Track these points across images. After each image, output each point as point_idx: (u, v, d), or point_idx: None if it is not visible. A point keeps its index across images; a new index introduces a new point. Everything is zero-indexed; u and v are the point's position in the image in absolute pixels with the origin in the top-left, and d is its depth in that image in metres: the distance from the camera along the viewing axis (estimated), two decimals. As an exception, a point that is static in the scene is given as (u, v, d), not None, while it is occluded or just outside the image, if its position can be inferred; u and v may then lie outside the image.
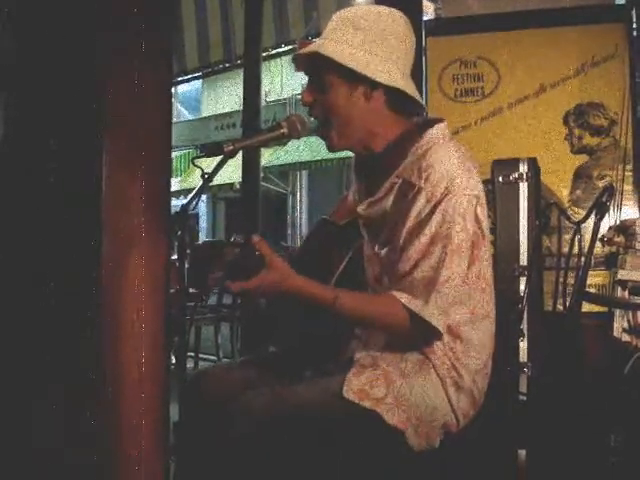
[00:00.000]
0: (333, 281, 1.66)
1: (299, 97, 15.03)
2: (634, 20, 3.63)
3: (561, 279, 2.55)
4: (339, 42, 1.61)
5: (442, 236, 1.54)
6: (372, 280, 1.73)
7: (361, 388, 1.57)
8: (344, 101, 1.63)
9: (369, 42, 1.61)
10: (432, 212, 1.54)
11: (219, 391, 1.68)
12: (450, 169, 1.56)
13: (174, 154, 15.98)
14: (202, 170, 1.56)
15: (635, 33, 3.63)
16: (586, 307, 2.80)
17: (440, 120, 1.68)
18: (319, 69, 1.63)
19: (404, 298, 1.54)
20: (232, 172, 11.89)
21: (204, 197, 16.77)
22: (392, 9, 1.67)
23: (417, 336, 1.59)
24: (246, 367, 1.80)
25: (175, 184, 15.41)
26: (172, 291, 1.68)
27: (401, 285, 1.56)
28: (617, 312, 2.93)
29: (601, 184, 3.51)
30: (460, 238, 1.55)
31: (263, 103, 6.43)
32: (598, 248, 3.07)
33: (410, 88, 1.65)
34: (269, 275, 1.52)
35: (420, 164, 1.58)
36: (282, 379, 1.68)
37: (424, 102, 3.72)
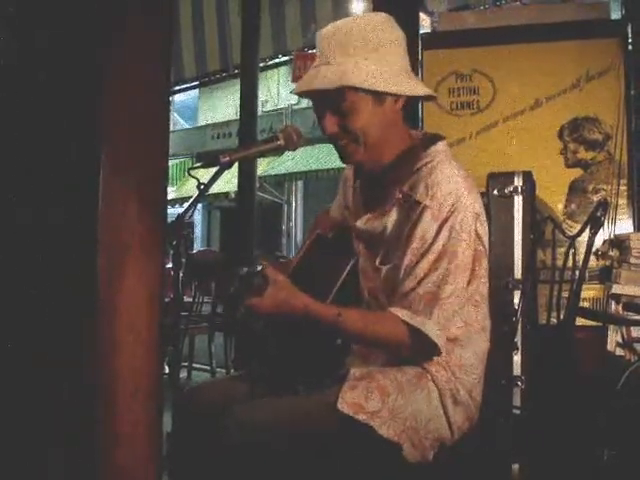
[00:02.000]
0: (331, 298, 1.65)
1: (295, 107, 15.08)
2: (629, 35, 3.65)
3: (555, 292, 2.55)
4: (354, 66, 1.59)
5: (448, 252, 1.55)
6: (367, 295, 1.73)
7: (355, 401, 1.56)
8: (372, 119, 1.62)
9: (382, 60, 1.61)
10: (439, 230, 1.55)
11: (212, 403, 1.67)
12: (456, 187, 1.57)
13: (170, 163, 15.96)
14: (198, 181, 1.56)
15: (630, 48, 3.65)
16: (580, 321, 2.80)
17: (441, 137, 1.69)
18: (342, 96, 1.60)
19: (406, 315, 1.54)
20: (228, 181, 11.89)
21: (199, 206, 16.76)
22: (370, 15, 1.70)
23: (418, 352, 1.59)
24: (239, 381, 1.79)
25: (171, 193, 15.40)
26: (167, 300, 1.67)
27: (404, 302, 1.56)
28: (611, 326, 2.93)
29: (596, 198, 3.52)
30: (465, 254, 1.57)
31: (259, 113, 6.43)
32: (592, 262, 3.08)
33: (423, 87, 1.67)
34: (273, 293, 1.54)
35: (426, 182, 1.59)
36: (275, 393, 1.67)
37: (420, 115, 3.75)
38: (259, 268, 1.55)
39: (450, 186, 1.57)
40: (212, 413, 1.61)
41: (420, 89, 1.66)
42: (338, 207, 1.95)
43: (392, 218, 1.64)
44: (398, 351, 1.61)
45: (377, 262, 1.67)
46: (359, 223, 1.72)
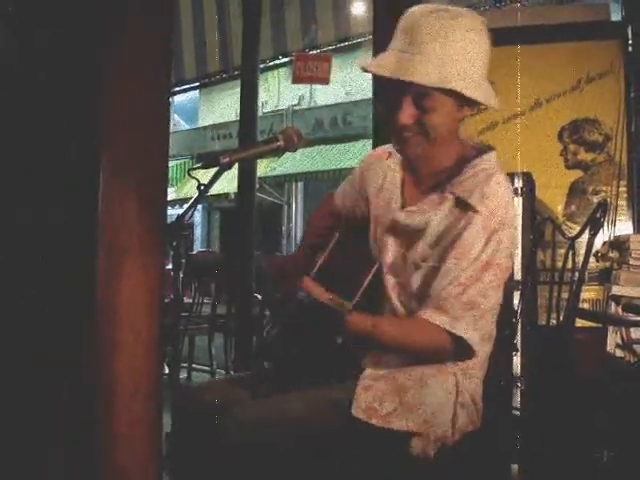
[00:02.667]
0: (356, 300, 1.63)
1: (296, 108, 15.09)
2: (629, 37, 3.65)
3: (555, 294, 2.55)
4: (456, 73, 1.53)
5: (495, 264, 1.55)
6: (392, 290, 1.69)
7: (369, 405, 1.57)
8: (450, 120, 1.60)
9: (477, 69, 1.56)
10: (488, 239, 1.54)
11: (212, 404, 1.67)
12: (507, 201, 1.59)
13: (170, 164, 15.97)
14: (198, 182, 1.56)
15: (630, 49, 3.65)
16: (580, 322, 2.80)
17: (492, 147, 1.68)
18: (428, 94, 1.55)
19: (446, 323, 1.53)
20: (228, 182, 11.89)
21: (199, 207, 16.75)
22: (475, 17, 1.58)
23: (454, 358, 1.60)
24: (239, 382, 1.79)
25: (171, 193, 15.39)
26: (167, 301, 1.67)
27: (443, 307, 1.54)
28: (611, 327, 2.93)
29: (595, 199, 3.52)
30: (506, 269, 1.58)
31: (260, 114, 6.43)
32: (592, 263, 3.08)
33: (495, 99, 1.62)
34: None
35: (483, 189, 1.57)
36: (281, 391, 1.67)
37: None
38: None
39: (504, 198, 1.58)
40: (212, 413, 1.61)
41: (493, 100, 1.60)
42: (353, 193, 1.91)
43: (438, 216, 1.62)
44: (436, 358, 1.61)
45: (416, 259, 1.64)
46: (398, 216, 1.68)
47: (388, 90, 1.59)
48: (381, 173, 1.79)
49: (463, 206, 1.58)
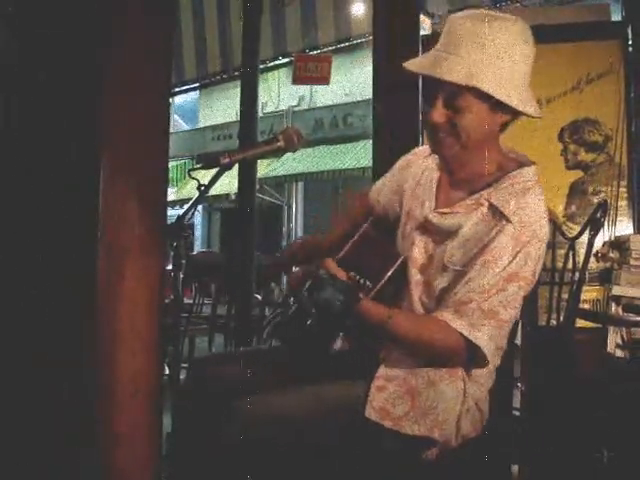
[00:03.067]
0: (375, 291, 1.63)
1: (296, 109, 15.09)
2: (629, 37, 3.65)
3: (555, 294, 2.55)
4: (486, 68, 1.54)
5: (520, 277, 1.54)
6: (415, 286, 1.69)
7: (382, 406, 1.57)
8: (482, 124, 1.60)
9: (515, 75, 1.57)
10: (517, 252, 1.54)
11: (220, 389, 1.64)
12: (541, 216, 1.59)
13: (170, 164, 15.97)
14: (198, 182, 1.56)
15: (631, 50, 3.65)
16: (580, 322, 2.80)
17: (534, 162, 1.68)
18: (460, 94, 1.56)
19: (464, 328, 1.53)
20: (228, 183, 11.89)
21: (199, 207, 16.74)
22: (520, 24, 1.59)
23: (467, 364, 1.60)
24: (250, 361, 1.77)
25: (171, 194, 15.39)
26: (167, 301, 1.67)
27: (463, 311, 1.54)
28: (611, 328, 2.93)
29: (596, 200, 3.52)
30: (530, 283, 1.57)
31: (260, 114, 6.43)
32: (592, 264, 3.08)
33: (536, 110, 1.62)
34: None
35: (519, 200, 1.57)
36: (290, 379, 1.66)
37: (421, 118, 3.74)
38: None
39: (538, 213, 1.58)
40: (219, 401, 1.59)
41: (530, 107, 1.60)
42: (389, 191, 1.91)
43: (471, 221, 1.61)
44: (449, 361, 1.60)
45: (444, 259, 1.63)
46: (431, 216, 1.68)
47: (425, 89, 1.64)
48: (419, 171, 1.80)
49: (497, 215, 1.58)
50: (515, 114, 1.62)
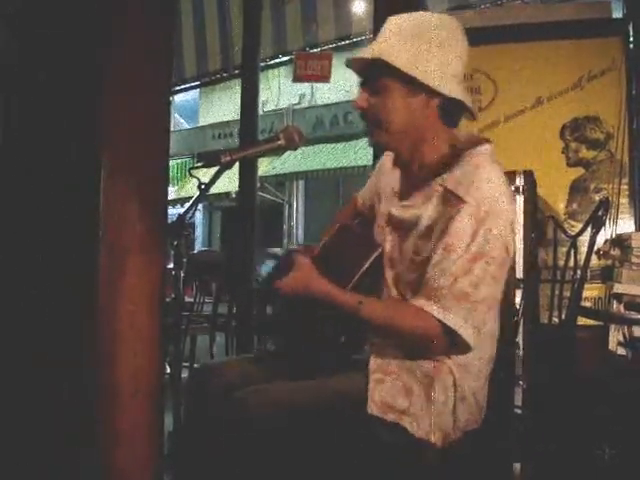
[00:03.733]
0: (352, 284, 1.64)
1: (296, 107, 15.08)
2: (631, 34, 3.64)
3: (557, 292, 2.54)
4: (401, 49, 1.60)
5: (484, 255, 1.54)
6: (390, 280, 1.70)
7: (384, 400, 1.57)
8: (402, 106, 1.62)
9: (429, 54, 1.61)
10: (477, 230, 1.54)
11: (229, 384, 1.65)
12: (497, 190, 1.56)
13: (171, 163, 15.97)
14: (199, 181, 1.56)
15: (632, 47, 3.65)
16: (582, 320, 2.80)
17: (488, 140, 1.68)
18: (379, 73, 1.62)
19: (437, 311, 1.53)
20: (229, 181, 11.89)
21: (200, 206, 16.73)
22: (445, 17, 1.68)
23: (446, 350, 1.58)
24: (254, 362, 1.79)
25: (172, 193, 15.39)
26: (168, 300, 1.67)
27: (434, 297, 1.54)
28: (612, 325, 2.93)
29: (597, 197, 3.52)
30: (499, 260, 1.56)
31: (260, 113, 6.42)
32: (594, 261, 3.08)
33: (467, 98, 1.66)
34: (294, 277, 1.59)
35: (469, 179, 1.57)
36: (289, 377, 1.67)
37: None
38: (290, 251, 1.57)
39: (492, 189, 1.56)
40: (229, 393, 1.60)
41: (457, 92, 1.63)
42: (369, 192, 1.95)
43: (429, 210, 1.63)
44: (426, 347, 1.59)
45: (410, 252, 1.65)
46: (393, 210, 1.71)
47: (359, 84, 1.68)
48: (389, 171, 1.83)
49: (452, 198, 1.58)
50: (448, 100, 1.63)
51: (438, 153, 1.67)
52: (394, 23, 1.64)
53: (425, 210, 1.63)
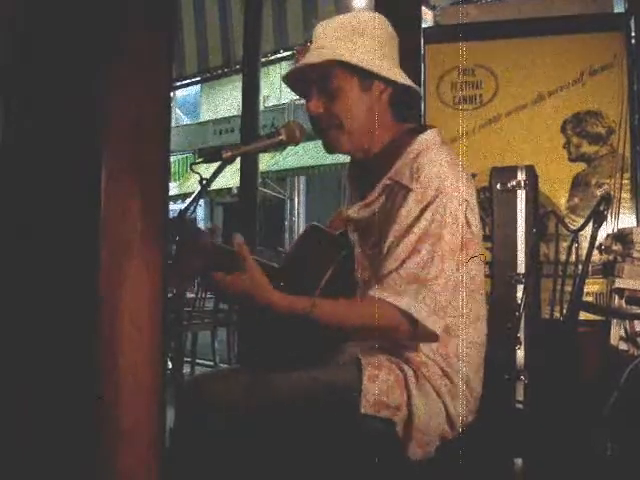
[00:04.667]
0: (320, 286, 1.63)
1: (298, 102, 15.06)
2: (633, 29, 3.64)
3: (558, 287, 2.55)
4: (348, 47, 1.63)
5: (431, 235, 1.53)
6: (362, 284, 1.71)
7: (377, 399, 1.56)
8: (358, 104, 1.65)
9: (372, 46, 1.64)
10: (422, 212, 1.54)
11: (217, 395, 1.66)
12: (441, 171, 1.56)
13: (172, 158, 15.97)
14: (200, 176, 1.56)
15: (634, 42, 3.64)
16: (583, 315, 2.80)
17: (432, 126, 1.70)
18: (330, 77, 1.64)
19: (389, 297, 1.51)
20: (230, 177, 11.89)
21: (201, 202, 16.73)
22: (371, 13, 1.74)
23: (414, 336, 1.56)
24: (242, 371, 1.79)
25: (173, 188, 15.40)
26: (170, 296, 1.67)
27: (385, 283, 1.53)
28: (614, 320, 2.93)
29: (599, 192, 3.52)
30: (450, 238, 1.54)
31: (262, 108, 6.42)
32: (595, 256, 3.07)
33: (410, 82, 1.69)
34: (243, 280, 1.51)
35: (412, 166, 1.59)
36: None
37: (422, 109, 3.74)
38: (235, 246, 1.52)
39: (435, 170, 1.56)
40: (217, 403, 1.60)
41: (406, 80, 1.68)
42: (347, 200, 1.95)
43: (380, 203, 1.64)
44: (394, 335, 1.57)
45: (367, 249, 1.66)
46: (351, 212, 1.72)
47: (304, 93, 1.72)
48: (353, 176, 1.85)
49: (399, 188, 1.60)
50: (397, 92, 1.67)
51: (386, 147, 1.68)
52: (327, 27, 1.67)
53: (378, 205, 1.65)
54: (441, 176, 1.55)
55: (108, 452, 1.43)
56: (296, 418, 1.55)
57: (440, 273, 1.52)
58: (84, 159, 1.58)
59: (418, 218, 1.54)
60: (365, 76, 1.62)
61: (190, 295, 5.30)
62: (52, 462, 1.48)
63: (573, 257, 2.42)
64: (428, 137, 1.65)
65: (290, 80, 1.74)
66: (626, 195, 3.54)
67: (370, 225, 1.67)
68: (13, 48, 1.70)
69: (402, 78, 1.66)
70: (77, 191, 1.57)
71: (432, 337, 1.55)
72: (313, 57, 1.64)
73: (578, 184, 3.62)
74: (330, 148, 1.70)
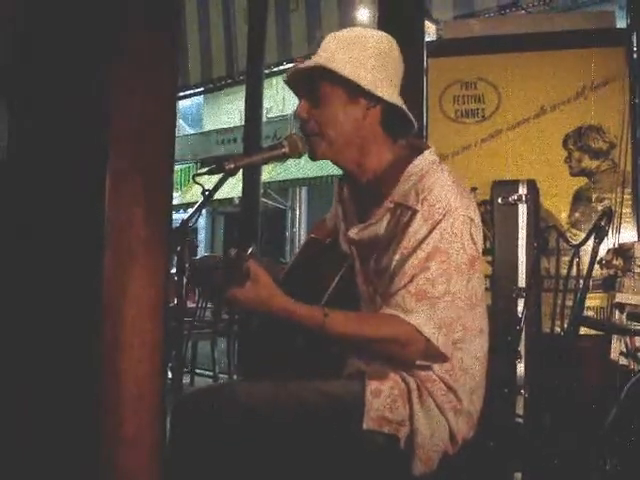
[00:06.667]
0: (325, 299, 1.63)
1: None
2: (634, 44, 3.65)
3: (559, 301, 2.55)
4: (343, 58, 1.63)
5: (440, 252, 1.53)
6: (366, 299, 1.71)
7: (380, 415, 1.56)
8: (341, 115, 1.64)
9: (368, 61, 1.63)
10: (430, 231, 1.54)
11: (213, 408, 1.65)
12: (447, 191, 1.57)
13: (175, 168, 15.95)
14: (203, 187, 1.56)
15: (635, 57, 3.65)
16: (584, 329, 2.79)
17: (427, 146, 1.70)
18: (318, 83, 1.65)
19: (400, 314, 1.51)
20: (232, 187, 11.89)
21: (203, 211, 16.73)
22: (384, 33, 1.71)
23: (423, 355, 1.55)
24: (239, 385, 1.78)
25: (176, 198, 15.39)
26: (171, 305, 1.67)
27: (394, 300, 1.53)
28: (615, 335, 2.92)
29: (600, 207, 3.52)
30: (458, 256, 1.55)
31: (264, 119, 6.43)
32: (596, 271, 3.08)
33: (401, 102, 1.67)
34: (254, 289, 1.48)
35: (416, 188, 1.59)
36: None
37: (425, 122, 3.75)
38: (246, 255, 1.49)
39: (441, 191, 1.57)
40: (212, 417, 1.59)
41: (397, 100, 1.66)
42: (333, 216, 1.95)
43: (383, 226, 1.64)
44: (403, 352, 1.56)
45: (375, 266, 1.66)
46: (352, 234, 1.71)
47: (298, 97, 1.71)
48: (346, 197, 1.84)
49: (404, 210, 1.60)
50: (389, 109, 1.65)
51: (383, 166, 1.68)
52: (333, 37, 1.68)
53: (381, 227, 1.64)
54: (447, 196, 1.57)
55: (110, 458, 1.43)
56: (297, 431, 1.54)
57: (447, 291, 1.53)
58: (89, 167, 1.59)
59: (426, 236, 1.54)
60: (352, 88, 1.61)
61: (191, 305, 5.29)
62: (56, 468, 1.48)
63: (574, 271, 2.42)
64: (427, 158, 1.66)
65: (291, 83, 1.75)
66: (627, 210, 3.55)
67: (371, 246, 1.67)
68: (14, 48, 1.71)
69: (390, 96, 1.64)
70: (81, 200, 1.58)
71: (441, 357, 1.56)
72: (307, 62, 1.66)
73: (579, 199, 3.63)
74: (310, 154, 1.70)
